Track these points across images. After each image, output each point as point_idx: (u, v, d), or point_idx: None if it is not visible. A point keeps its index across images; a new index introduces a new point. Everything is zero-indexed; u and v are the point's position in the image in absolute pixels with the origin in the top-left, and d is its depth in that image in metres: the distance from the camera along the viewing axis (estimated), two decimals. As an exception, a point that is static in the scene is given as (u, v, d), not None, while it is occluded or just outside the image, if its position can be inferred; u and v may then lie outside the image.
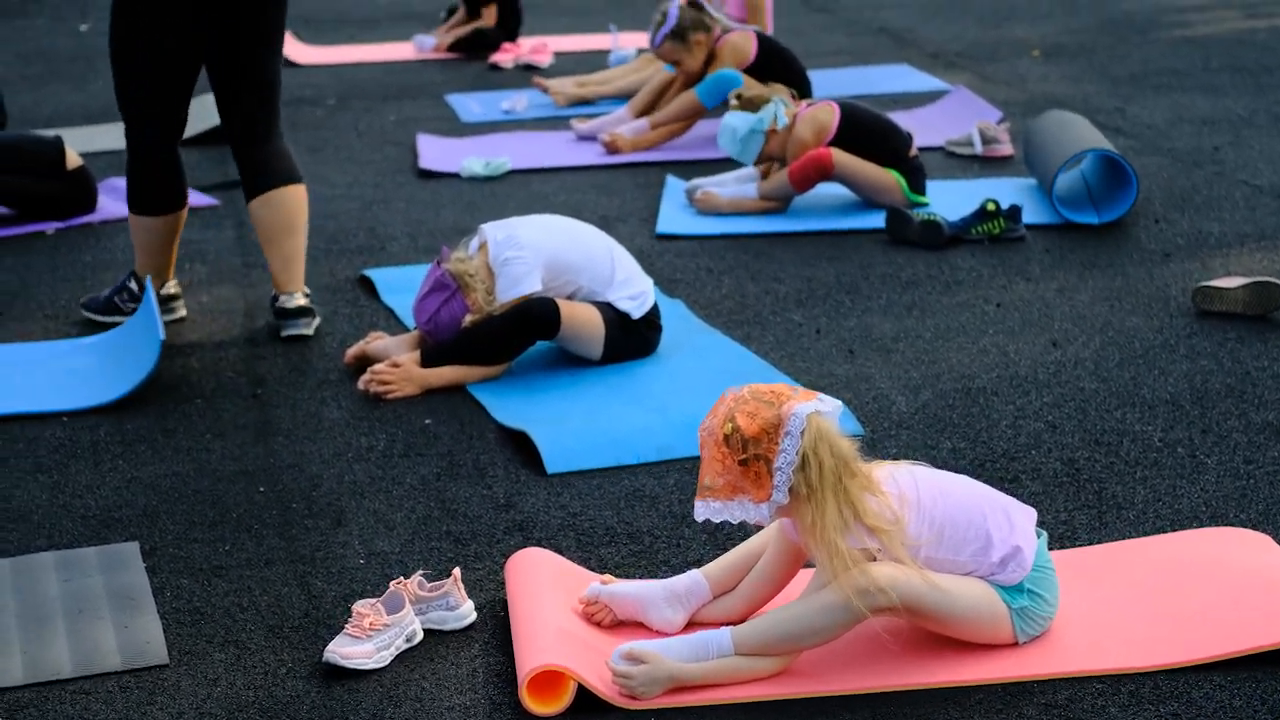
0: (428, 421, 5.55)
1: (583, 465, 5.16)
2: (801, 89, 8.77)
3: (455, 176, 8.59)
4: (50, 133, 8.24)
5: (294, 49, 11.95)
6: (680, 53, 8.83)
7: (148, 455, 5.38)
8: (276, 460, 5.31)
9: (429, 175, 8.63)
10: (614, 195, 8.13)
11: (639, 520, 4.80)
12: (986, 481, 4.86)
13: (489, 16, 11.69)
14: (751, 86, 7.92)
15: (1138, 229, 7.27)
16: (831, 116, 7.62)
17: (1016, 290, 6.61)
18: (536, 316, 5.75)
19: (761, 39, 8.87)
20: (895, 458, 5.03)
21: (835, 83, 10.24)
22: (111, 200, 8.18)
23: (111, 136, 9.49)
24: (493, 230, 5.88)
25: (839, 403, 3.88)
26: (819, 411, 3.80)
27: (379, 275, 6.93)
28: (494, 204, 8.05)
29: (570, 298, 5.88)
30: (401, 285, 6.68)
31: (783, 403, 3.79)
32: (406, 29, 12.79)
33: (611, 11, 13.26)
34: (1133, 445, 5.16)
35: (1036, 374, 5.75)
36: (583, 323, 5.83)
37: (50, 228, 7.89)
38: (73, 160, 7.88)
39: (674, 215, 7.68)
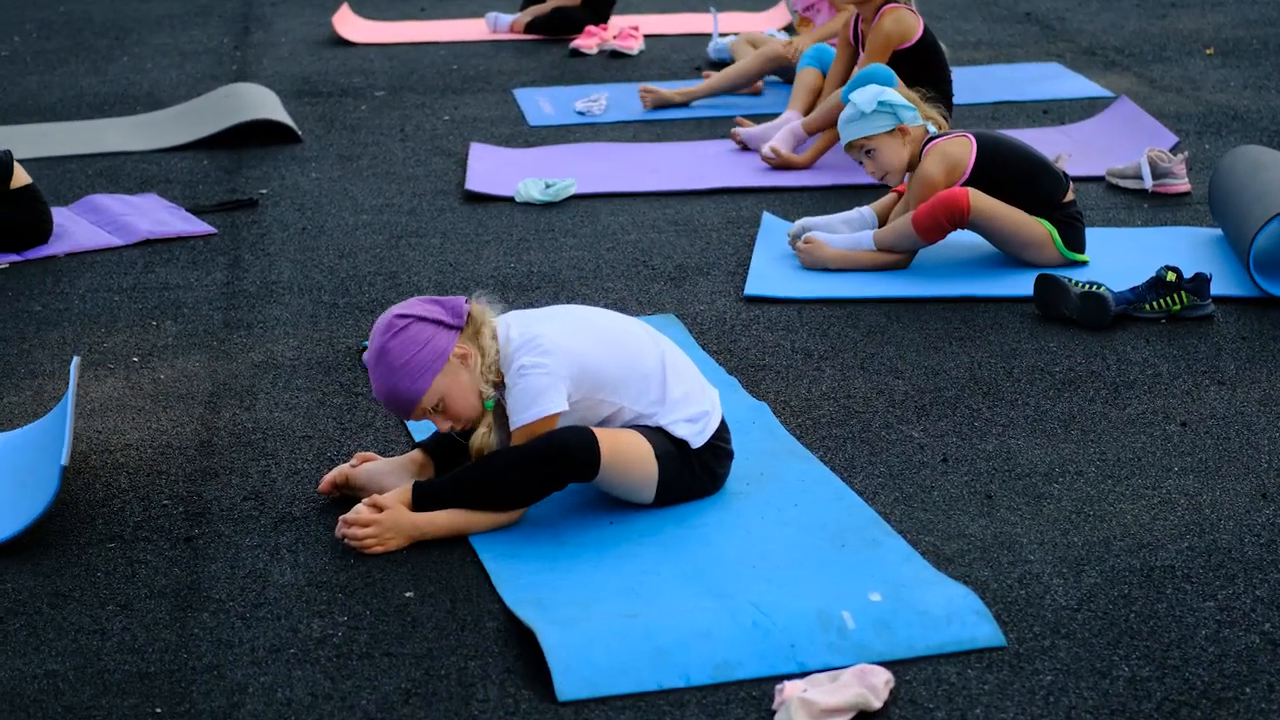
0: (408, 595, 4.07)
1: (608, 690, 3.66)
2: (946, 102, 7.26)
3: (509, 201, 7.08)
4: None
5: (348, 25, 10.46)
6: None
7: (20, 638, 3.94)
8: (192, 655, 3.84)
9: (477, 198, 7.12)
10: (697, 235, 6.60)
11: (680, 796, 3.32)
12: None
13: (574, -6, 10.17)
14: (903, 90, 6.38)
15: (1361, 309, 5.68)
16: (967, 151, 6.06)
17: (1207, 399, 5.04)
18: (567, 452, 4.24)
19: (925, 28, 7.35)
20: (1050, 686, 3.54)
21: (973, 83, 8.65)
22: (85, 225, 6.72)
23: (123, 133, 8.06)
24: (507, 325, 4.37)
25: None
26: None
27: (385, 350, 5.41)
28: (549, 242, 6.54)
29: (605, 422, 4.36)
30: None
31: None
32: (484, 2, 11.29)
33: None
34: (1394, 685, 3.60)
35: (1243, 545, 4.19)
36: (628, 459, 4.32)
37: (4, 260, 6.45)
38: (19, 178, 6.42)
39: (768, 270, 6.14)
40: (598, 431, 4.28)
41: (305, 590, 4.09)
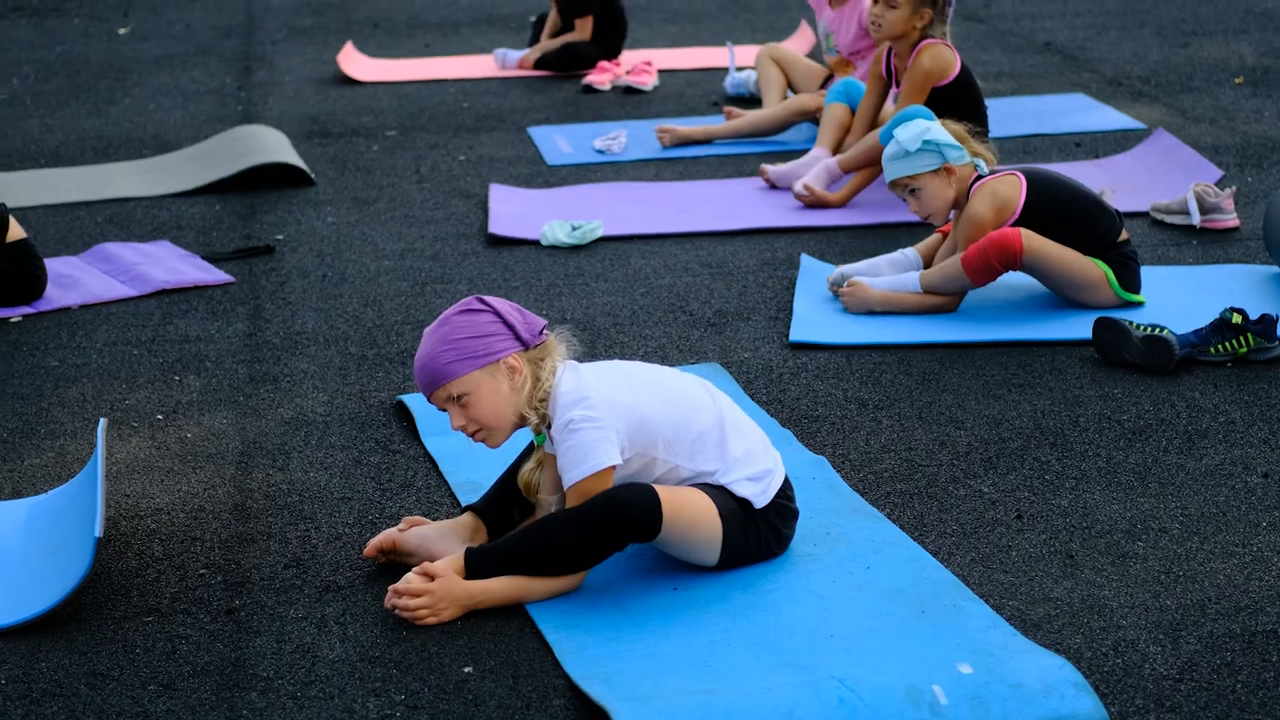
0: (467, 670, 3.83)
1: (691, 776, 3.43)
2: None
3: (534, 244, 6.85)
4: None
5: (354, 63, 10.24)
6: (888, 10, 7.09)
7: (58, 723, 3.69)
8: (241, 741, 3.60)
9: (501, 241, 6.90)
10: (733, 278, 6.37)
11: None
12: None
13: (583, 29, 9.93)
14: (950, 126, 6.20)
15: None
16: (1016, 190, 5.84)
17: (1285, 448, 4.83)
18: (628, 509, 4.02)
19: (963, 63, 7.15)
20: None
21: (1001, 115, 8.43)
22: (98, 274, 6.49)
23: (131, 178, 7.83)
24: (564, 369, 4.16)
25: None
26: None
27: (421, 404, 5.19)
28: (579, 288, 6.32)
29: (660, 480, 4.14)
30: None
31: None
32: (490, 37, 11.08)
33: (727, 18, 11.48)
34: None
35: (1346, 606, 3.97)
36: (692, 517, 4.10)
37: (17, 314, 6.22)
38: (14, 233, 6.17)
39: (812, 315, 5.92)
40: (659, 488, 4.06)
41: (358, 666, 3.86)
